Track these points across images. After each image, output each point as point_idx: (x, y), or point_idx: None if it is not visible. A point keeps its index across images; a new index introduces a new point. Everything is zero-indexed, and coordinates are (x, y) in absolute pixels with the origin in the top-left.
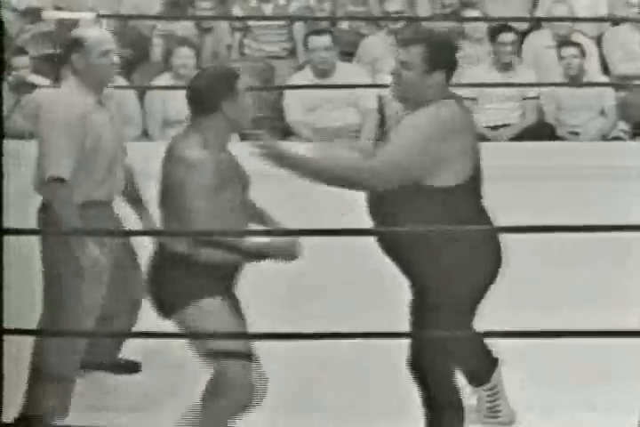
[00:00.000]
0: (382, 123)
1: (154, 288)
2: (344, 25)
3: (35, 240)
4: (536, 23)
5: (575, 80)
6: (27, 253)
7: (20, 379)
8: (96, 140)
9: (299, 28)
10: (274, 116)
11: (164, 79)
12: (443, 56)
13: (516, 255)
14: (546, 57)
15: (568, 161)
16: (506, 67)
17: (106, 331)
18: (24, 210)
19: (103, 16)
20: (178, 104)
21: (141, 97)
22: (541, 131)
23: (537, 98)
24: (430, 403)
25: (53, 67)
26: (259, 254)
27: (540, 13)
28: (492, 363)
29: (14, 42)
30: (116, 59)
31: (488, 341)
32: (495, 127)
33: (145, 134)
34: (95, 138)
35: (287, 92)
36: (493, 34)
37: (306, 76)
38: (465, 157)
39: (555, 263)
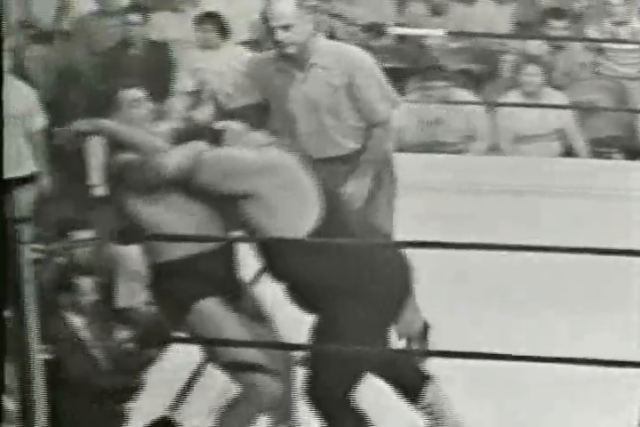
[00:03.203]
0: None
1: None
2: None
3: None
4: None
5: None
6: None
7: None
8: None
9: None
10: (627, 136)
11: (513, 95)
12: None
13: None
14: None
15: None
16: None
17: None
18: None
19: (452, 33)
20: (527, 120)
21: (489, 111)
22: None
23: None
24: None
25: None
26: None
27: None
28: (420, 379)
29: None
30: None
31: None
32: None
33: (492, 149)
34: None
35: None
36: None
37: None
38: None
39: None
